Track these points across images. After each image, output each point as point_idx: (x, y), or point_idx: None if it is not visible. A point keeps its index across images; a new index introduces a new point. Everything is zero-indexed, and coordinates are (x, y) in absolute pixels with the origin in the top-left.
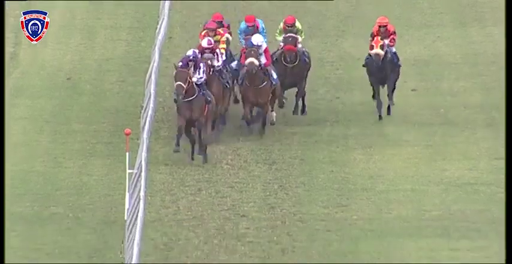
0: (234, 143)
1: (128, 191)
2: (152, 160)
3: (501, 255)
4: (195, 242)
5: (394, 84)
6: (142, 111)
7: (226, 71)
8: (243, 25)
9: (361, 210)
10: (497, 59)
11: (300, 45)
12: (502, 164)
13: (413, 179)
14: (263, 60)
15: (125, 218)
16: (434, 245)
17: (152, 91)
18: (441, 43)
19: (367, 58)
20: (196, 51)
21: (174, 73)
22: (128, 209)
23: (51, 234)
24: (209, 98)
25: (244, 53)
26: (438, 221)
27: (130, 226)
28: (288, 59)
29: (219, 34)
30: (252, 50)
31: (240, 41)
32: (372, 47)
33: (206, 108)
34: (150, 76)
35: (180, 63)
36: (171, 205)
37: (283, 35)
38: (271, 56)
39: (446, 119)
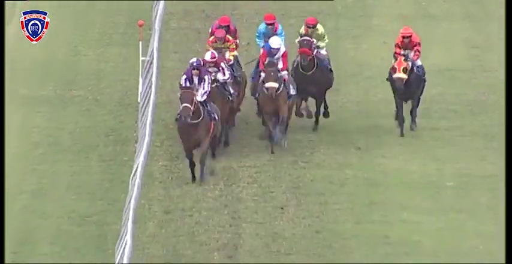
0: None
1: (141, 77)
2: (163, 49)
3: (475, 133)
4: None
5: (419, 101)
6: (154, 4)
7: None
8: (261, 26)
9: (350, 93)
10: None
11: (324, 52)
12: (477, 51)
13: None
14: (280, 65)
15: (138, 100)
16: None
17: None
18: None
19: (391, 73)
20: (201, 59)
21: (179, 94)
22: (141, 93)
23: (73, 115)
24: (214, 115)
25: (264, 58)
26: (420, 104)
27: (143, 108)
28: (304, 63)
29: (228, 41)
30: (271, 71)
31: (258, 44)
32: (394, 70)
33: (212, 126)
34: None
35: (184, 76)
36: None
37: (299, 39)
38: (292, 63)
39: (427, 11)
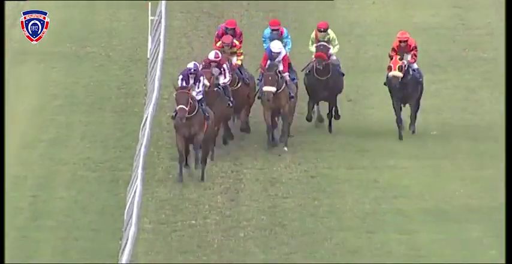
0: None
1: (150, 35)
2: (170, 9)
3: (457, 86)
4: None
5: (418, 104)
6: None
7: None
8: (267, 31)
9: (342, 49)
10: None
11: (334, 57)
12: (459, 11)
13: (386, 24)
14: (280, 67)
15: (148, 56)
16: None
17: None
18: None
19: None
20: (198, 64)
21: (174, 94)
22: (150, 49)
23: (87, 70)
24: (207, 114)
25: (265, 61)
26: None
27: (152, 63)
28: (318, 67)
29: (235, 46)
30: (270, 75)
31: (265, 49)
32: (390, 68)
33: (206, 124)
34: None
35: (181, 76)
36: (186, 46)
37: (315, 44)
38: (304, 68)
39: None
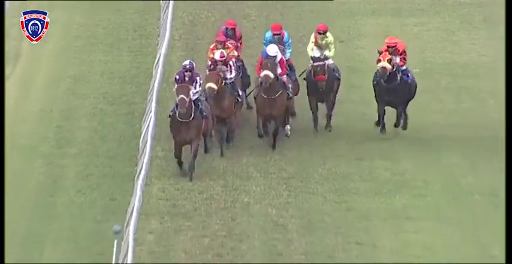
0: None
1: None
2: None
3: (437, 28)
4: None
5: (406, 106)
6: None
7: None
8: (268, 34)
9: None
10: None
11: (330, 61)
12: None
13: None
14: (279, 70)
15: (160, 1)
16: (388, 22)
17: None
18: None
19: (376, 78)
20: (193, 62)
21: (174, 89)
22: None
23: (106, 13)
24: (205, 113)
25: (260, 64)
26: (392, 3)
27: (165, 7)
28: (320, 86)
29: (228, 47)
30: (268, 62)
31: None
32: (379, 61)
33: (204, 123)
34: None
35: (177, 76)
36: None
37: (313, 63)
38: (301, 74)
39: None
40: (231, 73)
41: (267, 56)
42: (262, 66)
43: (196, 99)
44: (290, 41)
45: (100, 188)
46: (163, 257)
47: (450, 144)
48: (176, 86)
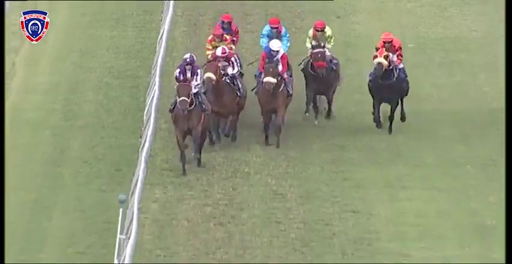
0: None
1: None
2: None
3: (430, 3)
4: None
5: (402, 102)
6: None
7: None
8: (266, 28)
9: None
10: None
11: (328, 53)
12: None
13: None
14: (280, 67)
15: None
16: None
17: None
18: None
19: (371, 76)
20: (194, 56)
21: (176, 87)
22: None
23: None
24: (205, 107)
25: (263, 60)
26: None
27: None
28: (319, 73)
29: (225, 40)
30: (271, 67)
31: (261, 45)
32: (375, 57)
33: (203, 117)
34: None
35: (178, 70)
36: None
37: (312, 50)
38: (301, 63)
39: None
40: (233, 69)
41: (270, 51)
42: (264, 71)
43: (196, 92)
44: (288, 35)
45: (106, 158)
46: (167, 225)
47: (443, 117)
48: (177, 85)
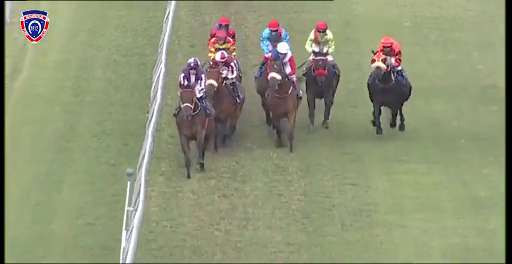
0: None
1: None
2: None
3: None
4: None
5: (401, 107)
6: None
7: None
8: (266, 31)
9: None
10: None
11: (330, 58)
12: None
13: None
14: (288, 69)
15: None
16: None
17: None
18: None
19: (370, 80)
20: (198, 60)
21: (179, 93)
22: None
23: None
24: (209, 111)
25: (268, 63)
26: None
27: None
28: (319, 80)
29: (229, 42)
30: (275, 64)
31: (262, 48)
32: (373, 61)
33: (206, 121)
34: None
35: (182, 74)
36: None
37: (313, 57)
38: (301, 66)
39: None
40: (232, 73)
41: (278, 54)
42: (269, 68)
43: (201, 97)
44: (288, 38)
45: (114, 133)
46: (173, 198)
47: (437, 93)
48: (181, 91)
